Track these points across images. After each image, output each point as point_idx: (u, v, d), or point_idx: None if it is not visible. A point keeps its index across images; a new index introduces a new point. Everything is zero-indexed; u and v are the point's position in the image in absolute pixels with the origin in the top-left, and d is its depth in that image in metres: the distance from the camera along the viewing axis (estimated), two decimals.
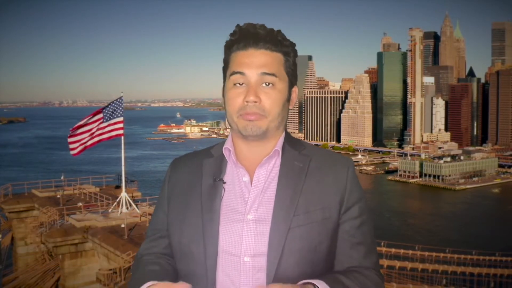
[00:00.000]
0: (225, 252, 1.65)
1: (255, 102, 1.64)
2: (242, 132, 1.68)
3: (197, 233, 1.67)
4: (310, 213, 1.64)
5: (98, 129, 20.57)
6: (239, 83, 1.68)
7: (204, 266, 1.65)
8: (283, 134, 1.77)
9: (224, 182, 1.72)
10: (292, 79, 1.76)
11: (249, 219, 1.65)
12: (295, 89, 1.77)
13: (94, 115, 20.74)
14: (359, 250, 1.70)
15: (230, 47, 1.73)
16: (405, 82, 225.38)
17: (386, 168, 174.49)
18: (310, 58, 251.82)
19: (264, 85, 1.67)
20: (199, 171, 1.77)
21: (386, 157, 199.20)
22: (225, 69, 1.77)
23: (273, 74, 1.67)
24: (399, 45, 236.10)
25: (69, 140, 20.31)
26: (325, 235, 1.66)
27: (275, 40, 1.70)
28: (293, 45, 1.75)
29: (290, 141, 1.77)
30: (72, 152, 20.54)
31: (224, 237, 1.65)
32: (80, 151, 20.47)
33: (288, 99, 1.74)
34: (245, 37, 1.69)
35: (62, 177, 28.30)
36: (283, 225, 1.62)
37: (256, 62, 1.67)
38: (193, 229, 1.68)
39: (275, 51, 1.70)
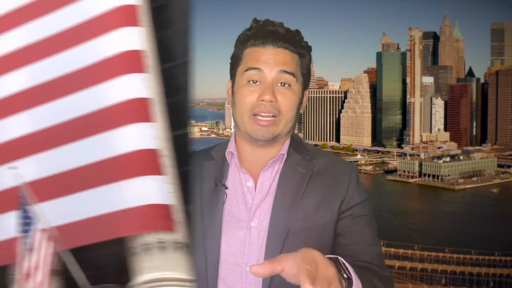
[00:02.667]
0: (226, 262, 1.55)
1: (271, 101, 1.55)
2: (252, 135, 1.59)
3: (197, 240, 1.59)
4: (309, 220, 1.57)
5: None
6: (254, 81, 1.58)
7: (204, 276, 1.55)
8: (289, 137, 1.69)
9: (226, 188, 1.62)
10: (306, 82, 1.67)
11: (252, 226, 1.57)
12: (306, 93, 1.68)
13: None
14: (372, 250, 1.61)
15: (245, 42, 1.63)
16: (404, 82, 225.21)
17: (386, 168, 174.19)
18: None
19: (280, 85, 1.58)
20: (199, 174, 1.68)
21: (386, 157, 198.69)
22: (235, 64, 1.66)
23: (291, 74, 1.59)
24: (398, 45, 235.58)
25: None
26: (323, 242, 1.57)
27: (294, 40, 1.62)
28: (309, 48, 1.67)
29: (294, 145, 1.69)
30: None
31: (226, 246, 1.56)
32: None
33: (300, 102, 1.65)
34: (263, 33, 1.60)
35: None
36: (280, 232, 1.54)
37: (275, 60, 1.58)
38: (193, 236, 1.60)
39: (293, 51, 1.62)
